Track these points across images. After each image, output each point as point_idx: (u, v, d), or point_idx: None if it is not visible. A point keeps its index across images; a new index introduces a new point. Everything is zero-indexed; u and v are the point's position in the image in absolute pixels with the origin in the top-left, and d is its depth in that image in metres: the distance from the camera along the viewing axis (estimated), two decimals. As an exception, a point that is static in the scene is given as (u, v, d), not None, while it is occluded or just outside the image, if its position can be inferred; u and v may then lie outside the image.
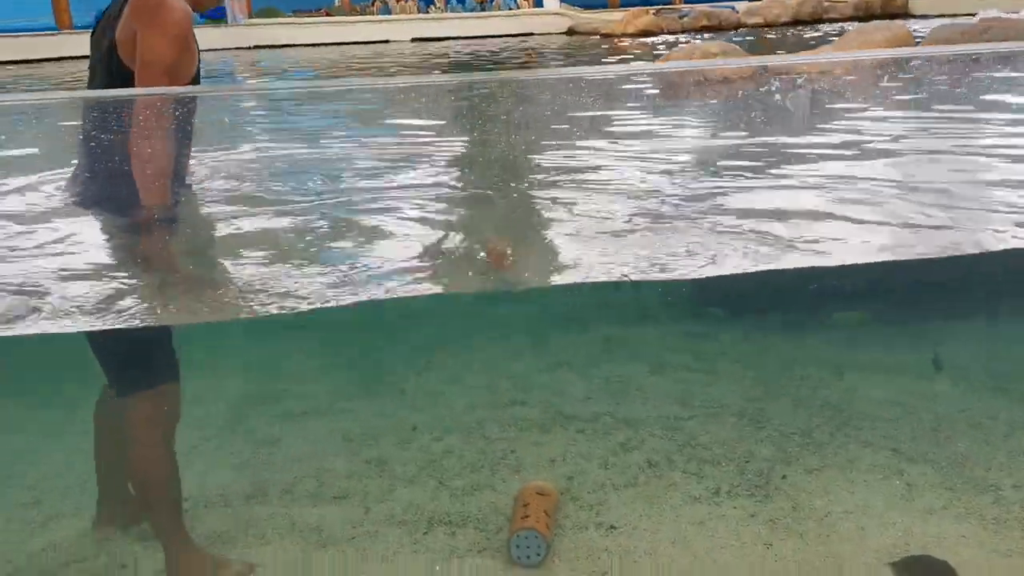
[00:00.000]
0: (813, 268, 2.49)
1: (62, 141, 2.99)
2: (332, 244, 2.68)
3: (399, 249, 2.57)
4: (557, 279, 2.50)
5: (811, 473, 3.18)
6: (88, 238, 2.56)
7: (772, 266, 2.43)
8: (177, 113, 2.37)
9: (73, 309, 2.24)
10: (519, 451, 3.41)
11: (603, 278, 2.46)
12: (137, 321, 2.22)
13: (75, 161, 2.47)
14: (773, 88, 3.87)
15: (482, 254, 2.64)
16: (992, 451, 3.32)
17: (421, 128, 3.94)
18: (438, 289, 2.44)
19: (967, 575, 2.53)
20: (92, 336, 2.35)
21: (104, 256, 2.54)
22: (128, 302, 2.29)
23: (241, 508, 3.02)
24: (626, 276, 2.45)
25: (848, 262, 2.51)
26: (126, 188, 2.25)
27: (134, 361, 2.43)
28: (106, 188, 2.39)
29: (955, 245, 2.59)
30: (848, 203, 2.85)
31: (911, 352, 4.33)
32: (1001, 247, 2.57)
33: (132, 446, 2.51)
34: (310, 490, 3.15)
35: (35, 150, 3.11)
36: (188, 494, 2.95)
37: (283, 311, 2.23)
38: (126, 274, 2.45)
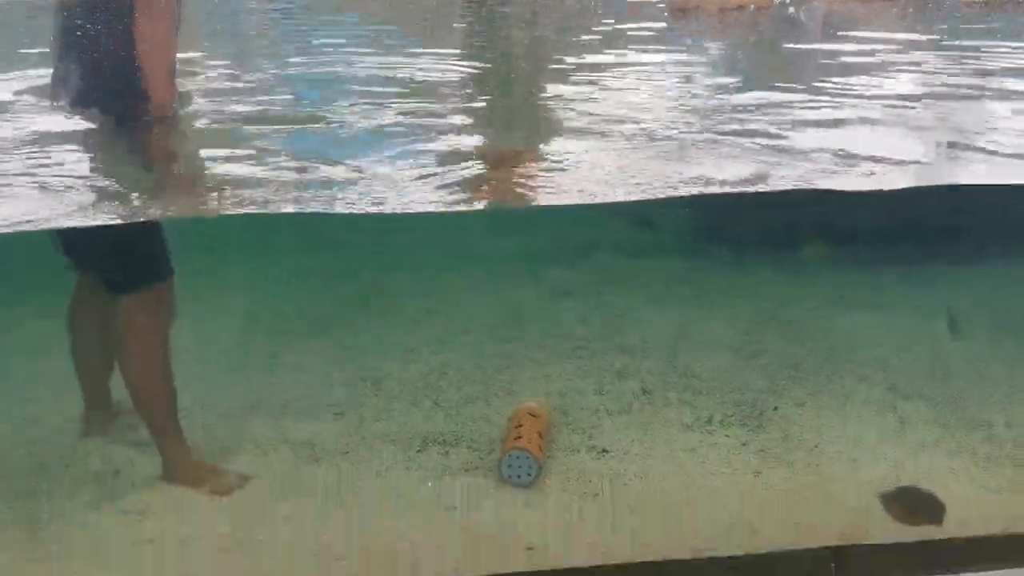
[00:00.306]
0: (829, 192, 2.46)
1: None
2: (328, 153, 2.65)
3: (404, 161, 2.54)
4: (564, 199, 2.47)
5: (803, 406, 3.19)
6: (85, 133, 2.52)
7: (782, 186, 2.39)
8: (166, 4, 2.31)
9: (85, 206, 2.23)
10: (515, 375, 3.41)
11: (619, 198, 2.43)
12: (143, 216, 2.21)
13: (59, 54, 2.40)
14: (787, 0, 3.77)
15: (491, 168, 2.60)
16: (987, 390, 3.32)
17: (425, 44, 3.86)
18: (442, 207, 2.41)
19: (955, 509, 2.55)
20: (78, 238, 2.32)
21: (105, 152, 2.52)
22: (133, 199, 2.28)
23: (237, 420, 3.04)
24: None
25: (853, 188, 2.47)
26: (120, 82, 2.22)
27: (125, 260, 2.41)
28: (98, 82, 2.33)
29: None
30: (861, 131, 2.80)
31: (912, 291, 4.31)
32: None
33: (126, 349, 2.50)
34: (306, 406, 3.16)
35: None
36: (185, 403, 2.98)
37: (283, 210, 2.21)
38: (128, 171, 2.44)
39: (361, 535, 2.42)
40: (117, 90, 2.25)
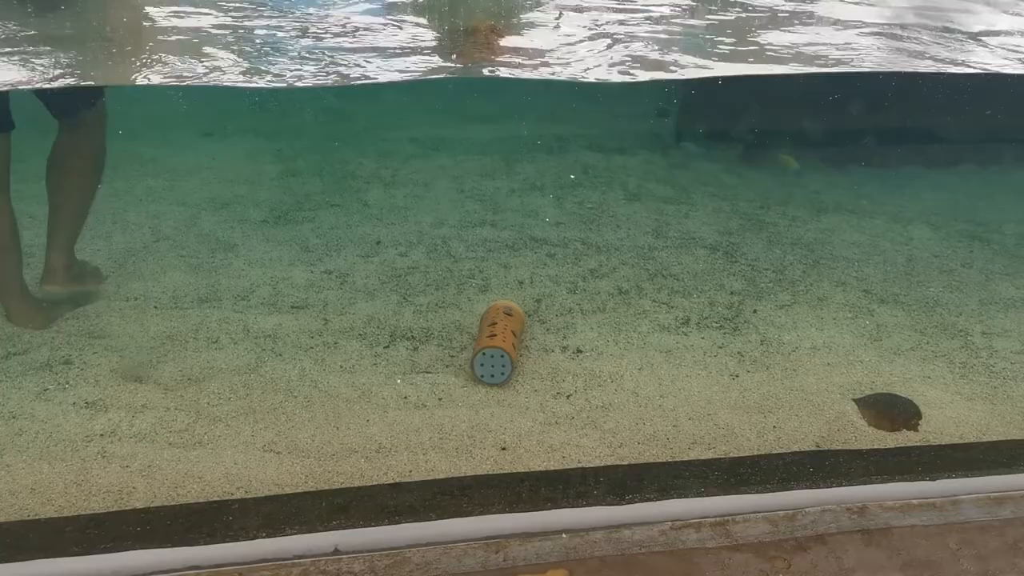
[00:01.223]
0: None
1: None
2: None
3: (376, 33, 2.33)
4: (538, 72, 2.29)
5: (781, 309, 3.13)
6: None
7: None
8: None
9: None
10: (487, 271, 3.30)
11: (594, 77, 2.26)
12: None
13: None
14: None
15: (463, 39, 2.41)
16: (964, 298, 3.29)
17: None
18: (415, 75, 2.21)
19: (931, 416, 2.53)
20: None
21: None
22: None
23: (192, 311, 2.89)
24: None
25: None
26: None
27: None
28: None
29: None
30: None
31: (889, 196, 4.25)
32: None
33: (82, 161, 2.73)
34: (266, 298, 3.02)
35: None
36: (139, 293, 2.82)
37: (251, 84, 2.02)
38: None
39: (325, 432, 2.32)
40: None
